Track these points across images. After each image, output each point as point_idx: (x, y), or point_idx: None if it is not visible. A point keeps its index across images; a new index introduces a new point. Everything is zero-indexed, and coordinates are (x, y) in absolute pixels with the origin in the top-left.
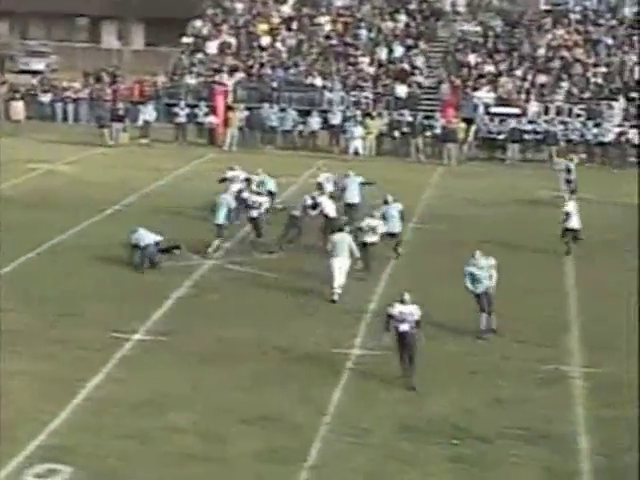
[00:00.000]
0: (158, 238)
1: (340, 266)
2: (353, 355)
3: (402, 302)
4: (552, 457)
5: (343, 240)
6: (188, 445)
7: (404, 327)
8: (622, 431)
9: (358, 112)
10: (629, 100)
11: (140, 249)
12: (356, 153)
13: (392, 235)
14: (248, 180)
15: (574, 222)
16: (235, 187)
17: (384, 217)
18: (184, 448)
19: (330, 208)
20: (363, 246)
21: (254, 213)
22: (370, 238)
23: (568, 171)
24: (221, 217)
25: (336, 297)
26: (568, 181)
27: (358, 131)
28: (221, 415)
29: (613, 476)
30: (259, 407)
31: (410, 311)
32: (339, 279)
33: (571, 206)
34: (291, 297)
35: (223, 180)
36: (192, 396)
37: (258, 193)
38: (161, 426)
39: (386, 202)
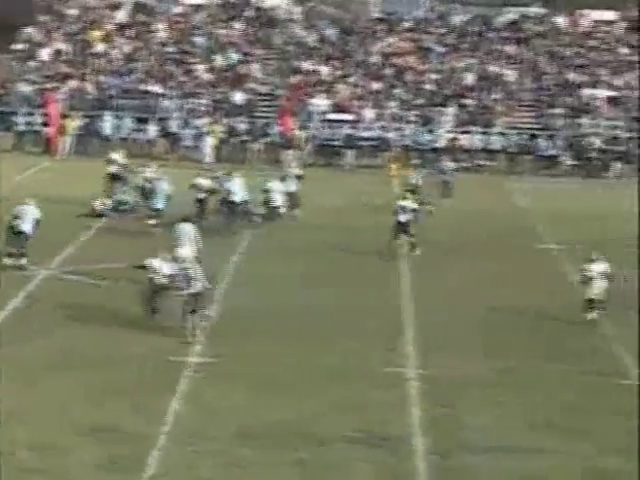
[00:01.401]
0: (37, 217)
1: (184, 254)
2: (191, 362)
3: (165, 260)
4: (390, 458)
5: (187, 230)
6: (26, 459)
7: (160, 280)
8: (455, 430)
9: (205, 120)
10: (460, 106)
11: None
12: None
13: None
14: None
15: (277, 200)
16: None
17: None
18: (22, 462)
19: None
20: (398, 224)
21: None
22: (403, 217)
23: (442, 172)
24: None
25: None
26: (445, 182)
27: (210, 140)
28: (59, 427)
29: (447, 474)
30: (97, 418)
31: (163, 266)
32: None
33: (273, 185)
34: (128, 305)
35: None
36: (29, 409)
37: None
38: None
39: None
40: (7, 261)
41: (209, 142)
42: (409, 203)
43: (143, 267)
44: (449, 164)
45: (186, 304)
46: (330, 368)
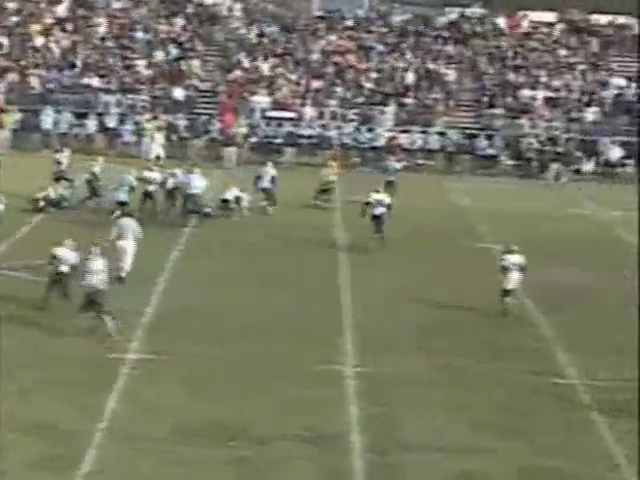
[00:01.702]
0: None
1: (126, 247)
2: (129, 360)
3: (63, 245)
4: (329, 456)
5: (129, 224)
6: None
7: (63, 268)
8: (393, 429)
9: (147, 115)
10: (400, 105)
11: None
12: (154, 158)
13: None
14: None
15: (226, 194)
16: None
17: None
18: None
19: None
20: (374, 218)
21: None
22: (378, 210)
23: (386, 172)
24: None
25: (123, 274)
26: (389, 182)
27: (160, 137)
28: None
29: (384, 472)
30: (33, 415)
31: (67, 255)
32: (126, 260)
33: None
34: (65, 301)
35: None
36: None
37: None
38: None
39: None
40: None
41: (158, 138)
42: (384, 197)
43: (54, 257)
44: (394, 164)
45: (85, 299)
46: (269, 366)
